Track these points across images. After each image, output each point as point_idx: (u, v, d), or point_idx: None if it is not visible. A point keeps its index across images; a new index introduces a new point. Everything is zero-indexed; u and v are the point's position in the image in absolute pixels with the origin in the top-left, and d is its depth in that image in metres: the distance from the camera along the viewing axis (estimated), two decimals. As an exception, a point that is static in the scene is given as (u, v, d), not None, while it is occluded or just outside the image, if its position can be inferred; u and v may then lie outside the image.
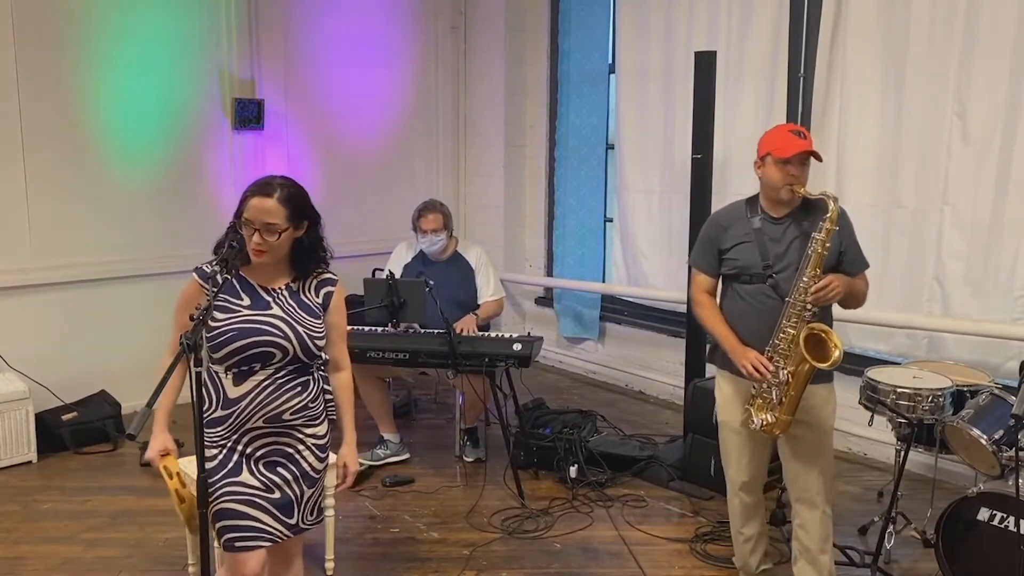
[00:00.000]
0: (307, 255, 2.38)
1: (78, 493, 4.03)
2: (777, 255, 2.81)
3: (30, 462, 4.35)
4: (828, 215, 2.67)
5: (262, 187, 2.29)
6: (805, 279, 2.69)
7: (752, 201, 2.92)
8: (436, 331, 4.06)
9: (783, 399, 2.76)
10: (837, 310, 2.92)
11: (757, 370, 2.75)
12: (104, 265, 4.89)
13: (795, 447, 2.92)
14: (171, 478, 2.26)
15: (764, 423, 2.80)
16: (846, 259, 2.84)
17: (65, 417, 4.55)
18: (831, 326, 2.80)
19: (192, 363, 2.04)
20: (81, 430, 4.56)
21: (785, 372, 2.73)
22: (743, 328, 2.87)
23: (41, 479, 4.20)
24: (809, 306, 2.69)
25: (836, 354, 2.67)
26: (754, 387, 2.83)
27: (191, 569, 3.10)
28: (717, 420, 3.08)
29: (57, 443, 4.49)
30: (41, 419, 4.46)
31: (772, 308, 2.78)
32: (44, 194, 4.65)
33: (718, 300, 3.00)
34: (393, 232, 5.31)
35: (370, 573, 3.36)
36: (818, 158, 2.81)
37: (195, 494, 2.18)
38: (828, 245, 2.68)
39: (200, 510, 2.12)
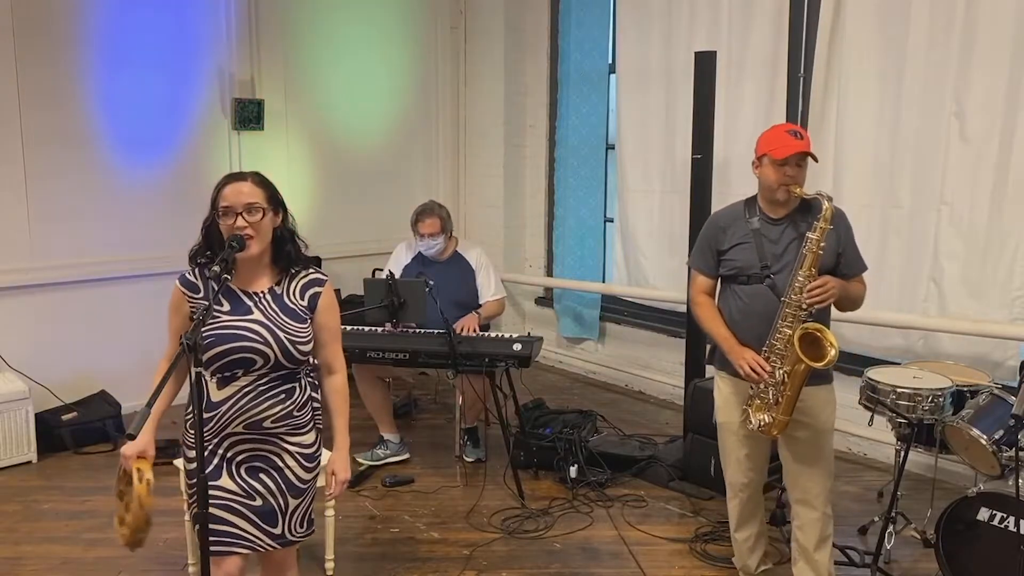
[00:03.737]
0: (286, 248, 2.34)
1: (78, 493, 4.02)
2: (775, 256, 2.82)
3: (30, 462, 4.35)
4: (822, 214, 2.67)
5: (232, 176, 2.30)
6: (800, 279, 2.70)
7: (751, 202, 2.92)
8: (436, 331, 4.06)
9: (780, 399, 2.76)
10: (834, 311, 2.92)
11: (754, 370, 2.76)
12: (104, 265, 4.88)
13: (795, 449, 2.92)
14: (140, 482, 2.16)
15: (762, 424, 2.81)
16: (843, 261, 2.85)
17: (65, 417, 4.55)
18: (828, 326, 2.80)
19: (192, 363, 2.03)
20: (81, 430, 4.56)
21: (781, 372, 2.74)
22: (741, 328, 2.87)
23: (41, 479, 4.20)
24: (804, 306, 2.69)
25: (832, 353, 2.68)
26: (752, 388, 2.84)
27: (191, 569, 3.11)
28: (716, 421, 3.08)
29: (57, 443, 4.49)
30: (41, 419, 4.46)
31: (770, 309, 2.78)
32: (44, 194, 4.65)
33: (716, 300, 3.01)
34: (393, 232, 5.29)
35: (370, 573, 3.36)
36: (814, 159, 2.80)
37: (147, 513, 2.15)
38: (823, 244, 2.69)
39: (200, 510, 2.12)
